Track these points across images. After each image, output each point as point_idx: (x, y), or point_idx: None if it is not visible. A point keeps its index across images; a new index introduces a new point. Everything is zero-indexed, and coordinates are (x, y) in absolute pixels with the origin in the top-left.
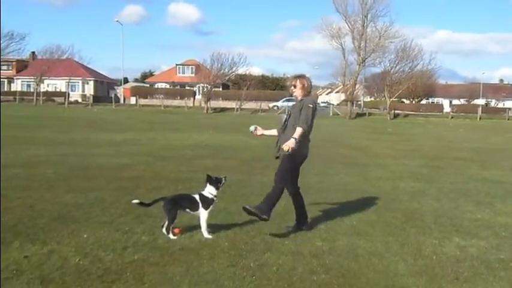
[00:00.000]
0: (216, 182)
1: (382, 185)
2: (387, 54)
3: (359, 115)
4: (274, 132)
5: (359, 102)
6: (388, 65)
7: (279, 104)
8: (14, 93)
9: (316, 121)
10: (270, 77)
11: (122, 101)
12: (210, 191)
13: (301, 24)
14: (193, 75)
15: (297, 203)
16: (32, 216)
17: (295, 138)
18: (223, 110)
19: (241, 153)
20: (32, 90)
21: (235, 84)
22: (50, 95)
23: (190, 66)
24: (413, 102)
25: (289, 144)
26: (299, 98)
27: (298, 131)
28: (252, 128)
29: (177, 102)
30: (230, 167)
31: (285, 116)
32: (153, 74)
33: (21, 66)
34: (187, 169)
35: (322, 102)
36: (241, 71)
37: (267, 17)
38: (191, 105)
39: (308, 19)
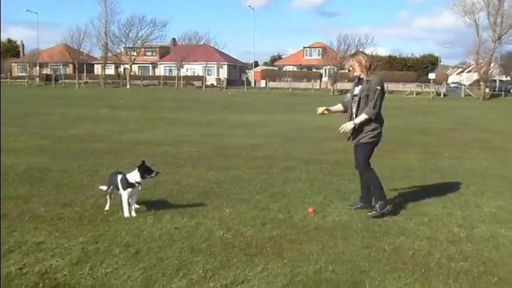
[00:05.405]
0: (145, 171)
1: None
2: None
3: (494, 96)
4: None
5: (494, 83)
6: None
7: None
8: (158, 77)
9: (448, 103)
10: (397, 58)
11: (252, 84)
12: (135, 176)
13: (429, 1)
14: (320, 57)
15: (365, 182)
16: (179, 191)
17: (355, 124)
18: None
19: None
20: (173, 74)
21: None
22: (189, 79)
23: (317, 49)
24: None
25: (347, 127)
26: (363, 77)
27: (362, 117)
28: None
29: (304, 84)
30: None
31: (349, 98)
32: (282, 57)
33: (164, 52)
34: (318, 151)
35: (452, 83)
36: (367, 52)
37: None
38: (318, 87)
39: None
